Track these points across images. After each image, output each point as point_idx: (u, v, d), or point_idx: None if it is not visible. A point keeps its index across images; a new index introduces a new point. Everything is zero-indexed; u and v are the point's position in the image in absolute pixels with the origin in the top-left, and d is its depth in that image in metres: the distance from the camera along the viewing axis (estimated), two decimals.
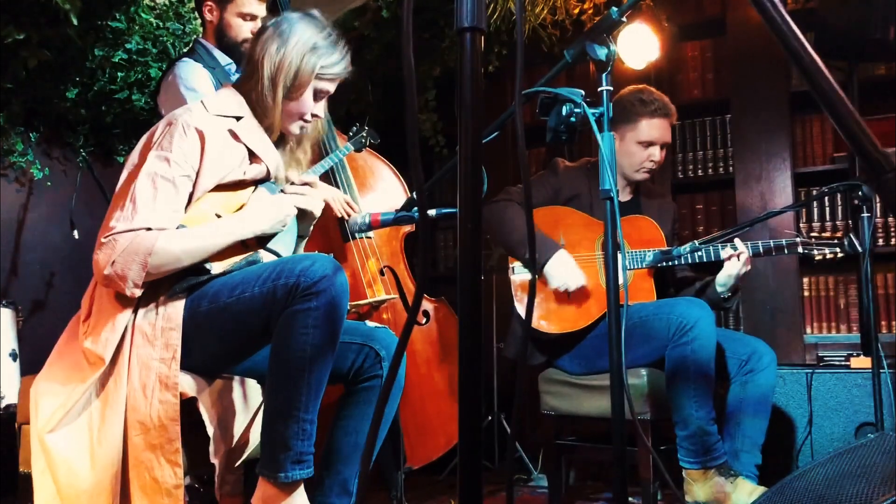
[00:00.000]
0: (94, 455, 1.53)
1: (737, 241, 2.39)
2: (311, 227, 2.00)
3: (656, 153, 2.59)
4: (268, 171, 1.82)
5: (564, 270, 2.43)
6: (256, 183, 1.82)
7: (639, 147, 2.58)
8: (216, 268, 1.67)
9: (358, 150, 2.15)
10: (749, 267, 2.41)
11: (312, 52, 1.78)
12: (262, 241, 1.78)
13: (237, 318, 1.61)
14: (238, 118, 1.78)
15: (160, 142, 1.66)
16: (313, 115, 1.86)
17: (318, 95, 1.83)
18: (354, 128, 2.24)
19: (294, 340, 1.55)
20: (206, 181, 1.69)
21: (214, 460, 1.62)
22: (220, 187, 1.73)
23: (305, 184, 1.90)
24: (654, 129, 2.57)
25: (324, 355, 1.58)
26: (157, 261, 1.57)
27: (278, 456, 1.57)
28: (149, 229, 1.58)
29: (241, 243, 1.73)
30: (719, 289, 2.46)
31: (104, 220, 1.63)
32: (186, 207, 1.67)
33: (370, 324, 1.90)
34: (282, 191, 1.86)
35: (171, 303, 1.62)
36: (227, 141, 1.73)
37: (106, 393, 1.57)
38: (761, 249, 2.40)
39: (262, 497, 1.60)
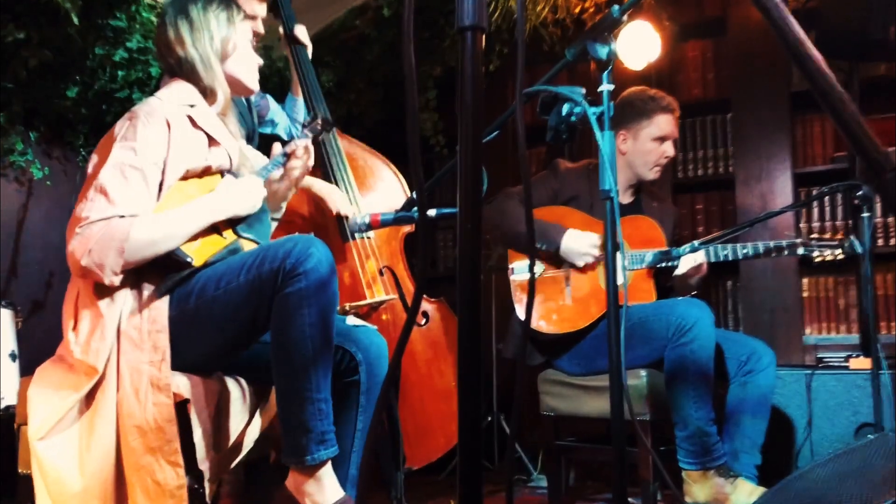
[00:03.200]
0: (82, 463, 1.52)
1: (700, 253, 2.42)
2: (284, 206, 1.99)
3: (670, 148, 2.61)
4: (230, 159, 1.83)
5: (581, 244, 2.44)
6: (222, 173, 1.82)
7: (655, 143, 2.59)
8: (197, 260, 1.65)
9: (315, 137, 2.08)
10: (701, 273, 2.47)
11: (215, 11, 1.84)
12: (233, 223, 1.76)
13: (227, 310, 1.61)
14: (192, 105, 1.79)
15: (124, 134, 1.66)
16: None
17: (254, 35, 1.96)
18: (307, 116, 2.21)
19: (291, 323, 1.56)
20: (175, 168, 1.69)
21: (203, 466, 1.61)
22: (188, 176, 1.73)
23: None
24: (668, 123, 2.60)
25: (323, 332, 1.58)
26: (133, 246, 1.56)
27: (300, 440, 1.58)
28: (121, 217, 1.57)
29: (216, 231, 1.72)
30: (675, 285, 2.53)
31: (73, 213, 1.61)
32: (158, 196, 1.67)
33: (351, 321, 1.87)
34: (284, 149, 1.90)
35: (154, 304, 1.60)
36: (188, 127, 1.74)
37: (94, 401, 1.56)
38: (761, 250, 2.40)
39: (294, 485, 1.62)
